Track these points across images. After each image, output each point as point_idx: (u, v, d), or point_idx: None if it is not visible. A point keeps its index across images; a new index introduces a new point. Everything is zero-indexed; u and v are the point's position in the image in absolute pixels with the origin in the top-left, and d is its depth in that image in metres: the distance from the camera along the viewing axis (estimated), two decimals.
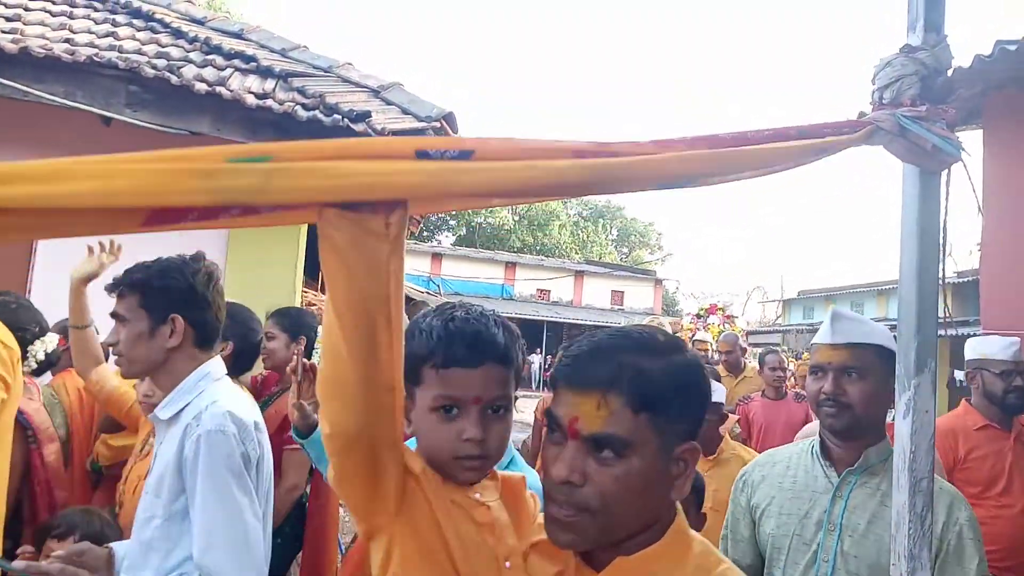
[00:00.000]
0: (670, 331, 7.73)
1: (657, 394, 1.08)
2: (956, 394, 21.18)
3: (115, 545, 1.95)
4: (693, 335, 9.53)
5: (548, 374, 4.96)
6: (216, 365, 2.05)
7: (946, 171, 1.46)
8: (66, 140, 4.82)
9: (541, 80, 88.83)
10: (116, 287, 1.99)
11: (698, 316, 11.80)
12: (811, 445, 2.09)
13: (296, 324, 3.37)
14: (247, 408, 2.00)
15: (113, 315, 1.99)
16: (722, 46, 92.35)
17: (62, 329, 3.24)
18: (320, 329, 3.29)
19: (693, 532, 1.19)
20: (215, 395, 1.94)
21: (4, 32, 4.57)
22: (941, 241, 1.47)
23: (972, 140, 5.80)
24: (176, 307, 1.96)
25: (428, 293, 14.22)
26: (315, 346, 3.20)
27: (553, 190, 1.07)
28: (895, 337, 1.58)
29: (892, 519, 1.45)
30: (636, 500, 1.09)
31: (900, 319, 1.48)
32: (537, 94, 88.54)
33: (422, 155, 0.94)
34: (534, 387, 28.39)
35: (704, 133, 1.21)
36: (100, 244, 2.98)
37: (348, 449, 1.09)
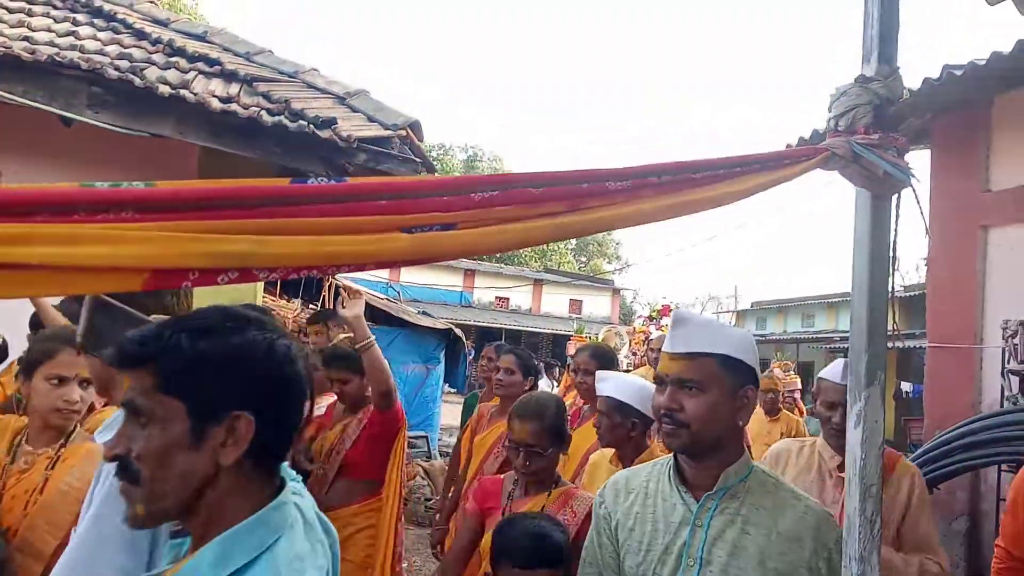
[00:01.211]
0: (625, 339, 7.52)
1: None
2: (903, 405, 21.70)
3: None
4: (647, 337, 9.19)
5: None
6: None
7: (896, 195, 1.56)
8: (25, 140, 4.74)
9: (510, 82, 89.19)
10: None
11: (651, 318, 11.38)
12: (667, 467, 1.84)
13: None
14: None
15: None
16: (689, 50, 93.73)
17: None
18: None
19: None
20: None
21: None
22: (890, 261, 1.57)
23: (920, 160, 6.03)
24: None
25: (387, 300, 14.17)
26: None
27: (523, 244, 1.23)
28: (847, 350, 1.64)
29: (844, 524, 1.54)
30: None
31: (852, 333, 1.57)
32: (506, 96, 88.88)
33: (407, 230, 1.05)
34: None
35: (673, 161, 1.28)
36: None
37: None
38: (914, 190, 1.54)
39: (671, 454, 1.84)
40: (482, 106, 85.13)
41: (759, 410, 6.09)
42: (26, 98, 4.32)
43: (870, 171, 1.47)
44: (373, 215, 1.04)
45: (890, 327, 1.67)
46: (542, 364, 9.86)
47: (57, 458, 2.26)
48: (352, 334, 3.44)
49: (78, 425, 2.36)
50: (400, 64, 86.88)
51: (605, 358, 3.78)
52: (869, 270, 1.53)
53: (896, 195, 1.56)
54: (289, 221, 1.00)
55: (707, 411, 1.69)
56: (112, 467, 1.15)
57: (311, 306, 10.23)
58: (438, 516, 4.43)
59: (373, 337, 3.36)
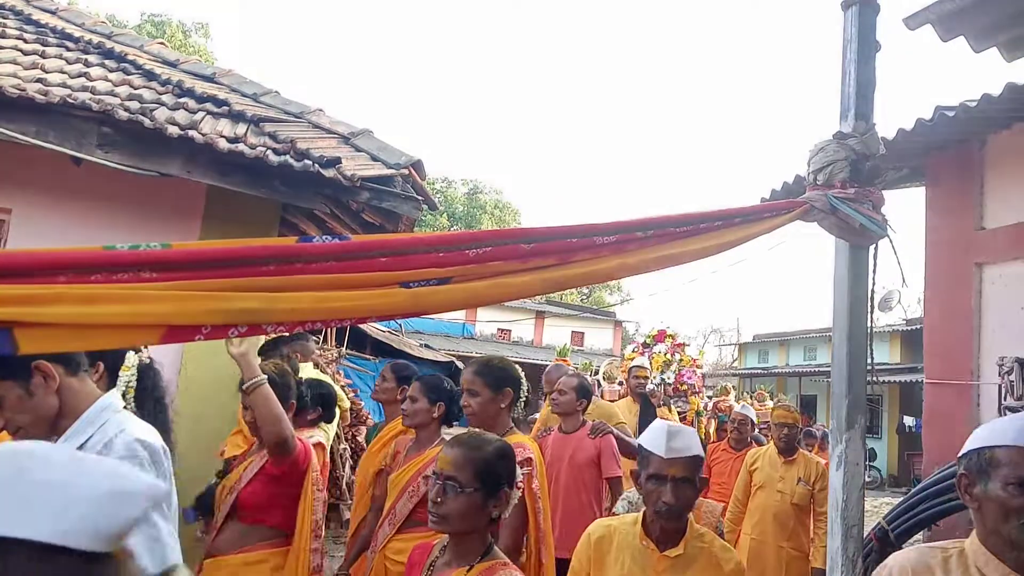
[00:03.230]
0: (615, 374, 7.42)
1: None
2: (905, 439, 21.54)
3: None
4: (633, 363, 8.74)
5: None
6: (115, 398, 2.10)
7: (874, 245, 1.63)
8: (36, 178, 4.85)
9: (511, 114, 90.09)
10: None
11: (644, 345, 10.46)
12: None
13: None
14: (154, 435, 2.06)
15: None
16: (675, 95, 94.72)
17: None
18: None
19: None
20: (121, 424, 1.99)
21: None
22: (868, 307, 1.63)
23: (915, 197, 6.13)
24: (29, 359, 1.90)
25: (391, 332, 14.25)
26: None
27: (514, 297, 1.34)
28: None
29: (827, 563, 1.59)
30: None
31: (833, 379, 1.64)
32: (507, 128, 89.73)
33: (405, 285, 1.14)
34: None
35: (657, 216, 1.36)
36: None
37: None
38: (891, 240, 1.61)
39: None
40: (484, 138, 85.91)
41: (770, 450, 5.45)
42: (38, 138, 4.43)
43: (847, 223, 1.54)
44: (374, 271, 1.12)
45: (869, 362, 1.73)
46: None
47: None
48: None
49: None
50: (403, 96, 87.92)
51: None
52: (848, 316, 1.60)
53: (875, 246, 1.63)
54: (295, 279, 1.08)
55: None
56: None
57: (313, 337, 10.32)
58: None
59: (263, 377, 3.01)
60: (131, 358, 3.06)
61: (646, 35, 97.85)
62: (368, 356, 13.66)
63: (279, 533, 3.14)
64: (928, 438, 5.78)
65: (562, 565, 3.91)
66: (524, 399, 3.33)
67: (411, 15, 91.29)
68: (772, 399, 13.75)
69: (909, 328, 21.37)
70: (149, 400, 3.10)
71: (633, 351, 10.36)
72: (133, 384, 3.03)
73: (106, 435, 1.94)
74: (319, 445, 3.76)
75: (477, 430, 2.48)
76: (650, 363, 9.27)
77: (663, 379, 9.42)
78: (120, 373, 3.00)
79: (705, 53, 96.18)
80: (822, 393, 26.96)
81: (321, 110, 5.69)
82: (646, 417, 6.49)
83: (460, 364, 13.26)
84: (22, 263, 1.00)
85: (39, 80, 4.76)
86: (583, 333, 38.10)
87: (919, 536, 5.30)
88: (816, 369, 26.26)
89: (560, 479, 4.54)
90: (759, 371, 30.77)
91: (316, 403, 4.06)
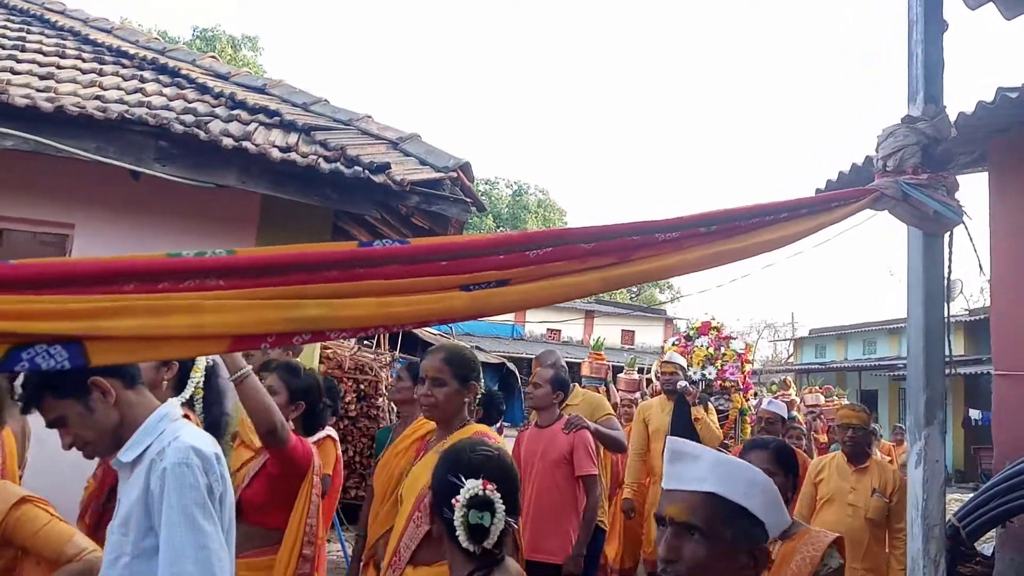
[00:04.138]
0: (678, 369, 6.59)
1: None
2: (971, 433, 20.89)
3: None
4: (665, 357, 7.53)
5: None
6: (172, 407, 2.13)
7: (949, 233, 1.56)
8: (96, 193, 4.99)
9: (555, 113, 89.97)
10: (26, 405, 1.96)
11: (687, 338, 9.32)
12: None
13: None
14: (208, 442, 2.09)
15: (51, 425, 1.98)
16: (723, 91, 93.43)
17: None
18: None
19: None
20: (176, 431, 2.03)
21: (39, 91, 4.76)
22: (945, 298, 1.57)
23: (978, 182, 5.92)
24: (85, 374, 1.94)
25: (441, 335, 14.33)
26: None
27: (573, 297, 1.30)
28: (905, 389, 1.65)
29: (907, 565, 1.53)
30: None
31: (909, 373, 1.57)
32: (552, 127, 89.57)
33: (465, 288, 1.13)
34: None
35: (721, 210, 1.32)
36: None
37: None
38: (967, 228, 1.55)
39: None
40: (528, 138, 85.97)
41: (839, 458, 4.67)
42: (99, 154, 4.56)
43: (920, 210, 1.49)
44: (435, 275, 1.11)
45: (947, 355, 1.67)
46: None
47: None
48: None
49: None
50: (446, 98, 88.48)
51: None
52: (924, 308, 1.53)
53: (949, 233, 1.57)
54: (357, 284, 1.07)
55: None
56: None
57: (365, 344, 10.44)
58: None
59: (248, 367, 2.89)
60: (200, 360, 3.13)
61: (694, 28, 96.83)
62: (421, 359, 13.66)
63: (278, 534, 3.04)
64: (998, 432, 5.57)
65: (532, 569, 3.62)
66: (479, 396, 3.02)
67: (454, 16, 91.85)
68: (833, 394, 13.18)
69: (972, 319, 20.73)
70: (216, 405, 3.16)
71: (673, 344, 9.35)
72: (201, 386, 3.11)
73: (162, 443, 1.98)
74: (328, 438, 3.55)
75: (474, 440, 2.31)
76: (690, 357, 8.63)
77: (703, 375, 8.60)
78: (191, 375, 3.09)
79: (752, 43, 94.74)
80: (883, 388, 26.30)
81: (369, 116, 5.73)
82: (678, 418, 6.11)
83: (511, 366, 13.26)
84: (90, 271, 1.01)
85: (98, 97, 4.90)
86: (633, 332, 37.83)
87: (991, 534, 5.12)
88: (877, 363, 25.63)
89: (532, 477, 4.28)
90: (816, 366, 30.16)
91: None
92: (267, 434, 2.89)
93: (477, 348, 13.92)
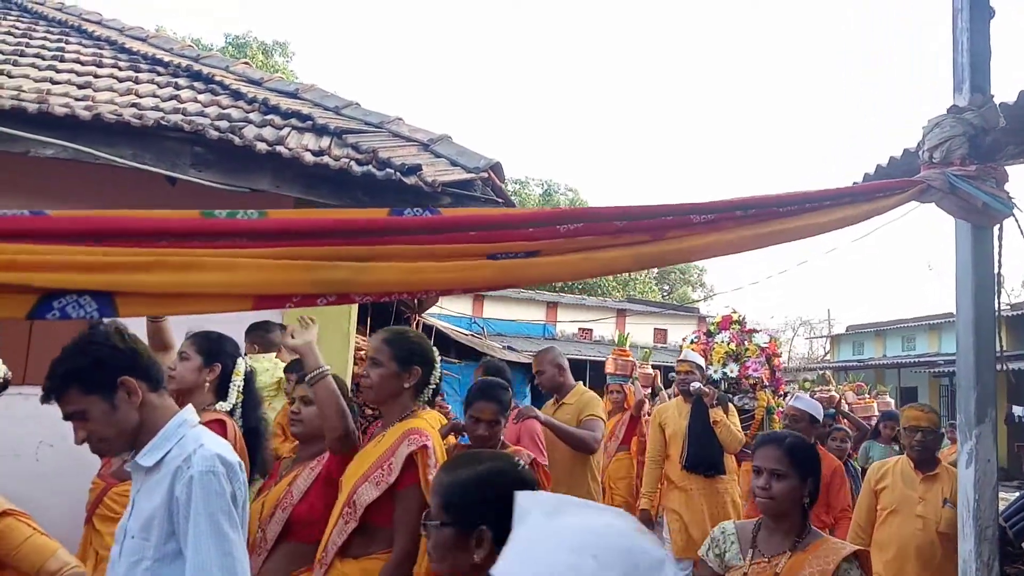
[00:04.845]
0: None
1: None
2: (1015, 430, 20.46)
3: None
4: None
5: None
6: (190, 413, 2.14)
7: (998, 225, 1.52)
8: (133, 199, 5.07)
9: (585, 112, 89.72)
10: (49, 394, 1.94)
11: (708, 334, 8.60)
12: None
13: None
14: (230, 450, 2.10)
15: (68, 417, 1.95)
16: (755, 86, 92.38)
17: None
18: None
19: None
20: (199, 439, 2.03)
21: (77, 100, 4.85)
22: (996, 293, 1.52)
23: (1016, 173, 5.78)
24: (116, 371, 1.95)
25: (472, 335, 14.35)
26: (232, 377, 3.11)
27: (604, 273, 1.29)
28: (952, 374, 1.60)
29: (959, 567, 1.48)
30: None
31: (958, 369, 1.52)
32: (581, 126, 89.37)
33: (492, 257, 1.12)
34: None
35: (760, 195, 1.29)
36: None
37: None
38: (1017, 220, 1.50)
39: None
40: (557, 137, 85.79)
41: (904, 464, 4.22)
42: (135, 161, 4.63)
43: (969, 203, 1.44)
44: (462, 243, 1.10)
45: (997, 351, 1.62)
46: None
47: None
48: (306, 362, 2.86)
49: None
50: (475, 98, 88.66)
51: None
52: (973, 303, 1.49)
53: (998, 225, 1.52)
54: (385, 248, 1.07)
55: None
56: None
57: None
58: None
59: (327, 368, 2.80)
60: (241, 364, 3.15)
61: (723, 25, 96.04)
62: (453, 360, 13.77)
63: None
64: None
65: None
66: (434, 387, 2.86)
67: (484, 16, 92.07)
68: (871, 391, 12.72)
69: (1015, 313, 20.29)
70: (254, 411, 3.20)
71: (692, 341, 8.62)
72: (242, 389, 3.14)
73: (184, 450, 1.99)
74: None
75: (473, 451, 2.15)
76: (710, 355, 8.10)
77: (725, 373, 8.01)
78: (232, 378, 3.12)
79: (783, 35, 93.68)
80: (923, 384, 25.82)
81: (400, 119, 5.75)
82: (695, 421, 5.79)
83: None
84: (125, 226, 1.02)
85: (134, 105, 4.98)
86: (666, 330, 37.51)
87: None
88: (916, 360, 25.16)
89: None
90: (854, 363, 29.71)
91: None
92: (339, 440, 2.82)
93: (508, 348, 13.93)
